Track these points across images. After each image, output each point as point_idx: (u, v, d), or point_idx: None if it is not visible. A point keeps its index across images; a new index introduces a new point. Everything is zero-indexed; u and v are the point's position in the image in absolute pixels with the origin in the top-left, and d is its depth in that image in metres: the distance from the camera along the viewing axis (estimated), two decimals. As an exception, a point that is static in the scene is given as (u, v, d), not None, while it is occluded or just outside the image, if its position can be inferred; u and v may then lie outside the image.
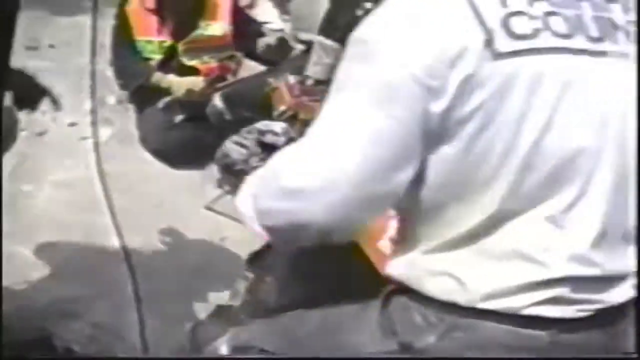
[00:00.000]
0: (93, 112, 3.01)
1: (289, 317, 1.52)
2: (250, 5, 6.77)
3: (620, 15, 1.33)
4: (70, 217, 3.64)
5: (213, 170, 4.08)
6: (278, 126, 1.98)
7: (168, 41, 4.39)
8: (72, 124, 4.40)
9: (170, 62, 4.39)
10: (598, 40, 1.29)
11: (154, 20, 4.38)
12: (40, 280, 3.27)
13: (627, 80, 1.30)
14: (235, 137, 1.95)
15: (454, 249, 1.29)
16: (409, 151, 1.24)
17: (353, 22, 1.35)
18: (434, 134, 1.23)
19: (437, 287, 1.30)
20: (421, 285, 1.31)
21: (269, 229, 1.33)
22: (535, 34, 1.24)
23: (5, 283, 2.71)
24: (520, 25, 1.24)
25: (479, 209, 1.26)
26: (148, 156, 4.26)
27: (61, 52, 5.11)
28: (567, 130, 1.25)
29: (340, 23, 3.15)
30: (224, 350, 1.57)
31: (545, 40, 1.25)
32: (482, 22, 1.22)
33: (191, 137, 4.19)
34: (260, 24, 4.68)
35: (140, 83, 4.39)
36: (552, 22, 1.26)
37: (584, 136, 1.26)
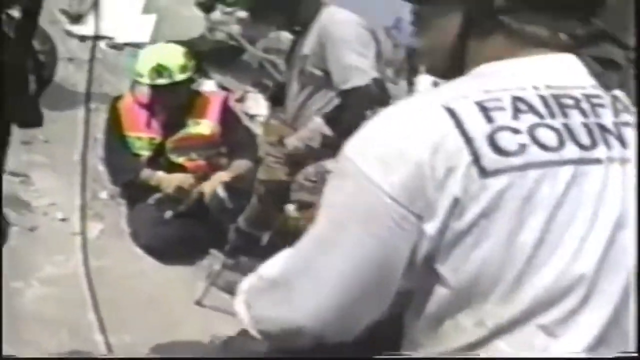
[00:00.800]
0: (82, 207, 2.99)
1: None
2: (241, 99, 6.87)
3: (610, 119, 1.31)
4: (58, 315, 3.59)
5: (203, 265, 4.10)
6: None
7: (157, 138, 4.45)
8: (63, 219, 4.38)
9: (158, 158, 4.44)
10: (590, 147, 1.27)
11: (144, 116, 4.46)
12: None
13: (626, 184, 1.27)
14: None
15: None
16: (395, 268, 1.24)
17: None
18: (427, 253, 1.23)
19: None
20: None
21: (264, 334, 1.35)
22: (521, 149, 1.22)
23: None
24: (506, 140, 1.22)
25: (473, 324, 1.26)
26: (139, 251, 4.25)
27: (55, 147, 5.13)
28: (563, 248, 1.23)
29: (345, 119, 3.20)
30: None
31: (533, 155, 1.22)
32: (467, 140, 1.21)
33: (181, 233, 4.21)
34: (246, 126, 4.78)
35: (130, 179, 4.43)
36: (539, 134, 1.24)
37: (582, 255, 1.24)
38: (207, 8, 7.12)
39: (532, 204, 1.21)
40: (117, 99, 4.67)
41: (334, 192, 1.30)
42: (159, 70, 4.33)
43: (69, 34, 7.63)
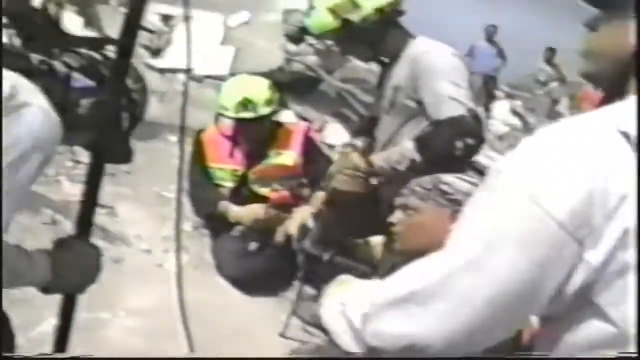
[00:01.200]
0: (177, 240, 2.99)
1: None
2: (320, 129, 6.87)
3: None
4: (146, 346, 3.59)
5: (287, 297, 4.07)
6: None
7: (240, 169, 4.46)
8: (147, 251, 4.41)
9: (241, 189, 4.44)
10: None
11: (227, 147, 4.48)
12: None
13: None
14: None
15: None
16: (543, 294, 1.17)
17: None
18: (584, 284, 1.16)
19: None
20: None
21: (377, 350, 1.28)
22: None
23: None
24: None
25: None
26: (223, 283, 4.24)
27: (137, 178, 5.18)
28: None
29: (435, 147, 3.15)
30: None
31: None
32: None
33: (265, 265, 4.19)
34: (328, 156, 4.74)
35: (211, 211, 4.44)
36: None
37: None
38: (296, 40, 7.18)
39: None
40: (201, 131, 4.70)
41: (487, 210, 1.21)
42: (245, 103, 4.34)
43: (149, 67, 7.77)
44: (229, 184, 4.52)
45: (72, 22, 6.23)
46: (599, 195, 1.13)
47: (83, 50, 2.17)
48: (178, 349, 3.55)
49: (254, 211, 4.37)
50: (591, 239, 1.13)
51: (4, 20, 4.97)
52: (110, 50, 2.26)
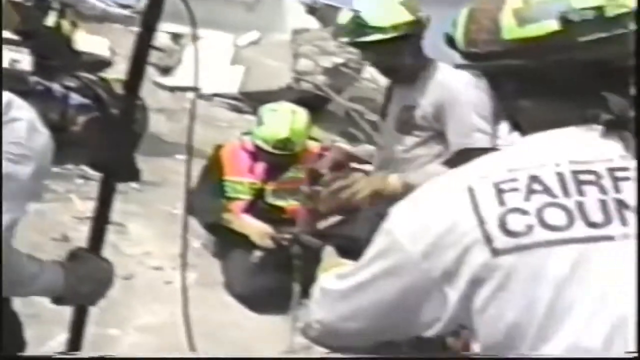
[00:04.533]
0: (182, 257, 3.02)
1: None
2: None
3: (633, 193, 1.32)
4: (155, 363, 3.61)
5: (295, 316, 4.09)
6: None
7: (258, 183, 4.51)
8: (158, 268, 4.44)
9: (257, 202, 4.49)
10: (602, 225, 1.31)
11: (247, 161, 4.53)
12: None
13: (636, 263, 1.28)
14: None
15: None
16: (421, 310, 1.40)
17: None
18: (456, 314, 1.36)
19: None
20: None
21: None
22: (528, 230, 1.30)
23: None
24: (514, 222, 1.31)
25: None
26: (232, 301, 4.26)
27: (147, 195, 5.22)
28: (570, 323, 1.28)
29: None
30: None
31: (538, 235, 1.30)
32: (481, 222, 1.32)
33: (274, 283, 4.21)
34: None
35: (214, 221, 4.49)
36: (547, 215, 1.31)
37: (591, 332, 1.28)
38: (350, 34, 7.30)
39: (540, 280, 1.29)
40: (221, 146, 4.76)
41: (374, 245, 1.46)
42: (286, 142, 4.40)
43: (158, 85, 7.83)
44: (246, 197, 4.57)
45: (85, 41, 6.30)
46: (448, 244, 1.33)
47: (81, 74, 2.23)
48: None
49: (266, 230, 4.41)
50: (449, 279, 1.34)
51: (17, 38, 5.03)
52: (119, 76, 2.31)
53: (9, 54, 6.52)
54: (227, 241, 4.50)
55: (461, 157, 3.22)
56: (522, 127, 1.47)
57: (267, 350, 3.90)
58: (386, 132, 3.66)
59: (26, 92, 1.97)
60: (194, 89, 2.39)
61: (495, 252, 1.30)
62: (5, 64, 6.20)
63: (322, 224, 3.92)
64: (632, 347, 1.26)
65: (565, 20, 1.35)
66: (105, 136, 2.19)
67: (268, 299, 4.18)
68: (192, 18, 2.23)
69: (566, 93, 1.41)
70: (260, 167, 4.58)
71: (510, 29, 1.39)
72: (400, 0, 3.31)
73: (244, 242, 4.39)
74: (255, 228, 4.41)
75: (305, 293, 3.78)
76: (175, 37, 8.35)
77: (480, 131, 3.21)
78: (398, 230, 1.40)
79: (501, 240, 1.30)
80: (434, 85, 3.35)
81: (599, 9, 1.36)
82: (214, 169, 4.66)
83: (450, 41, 1.52)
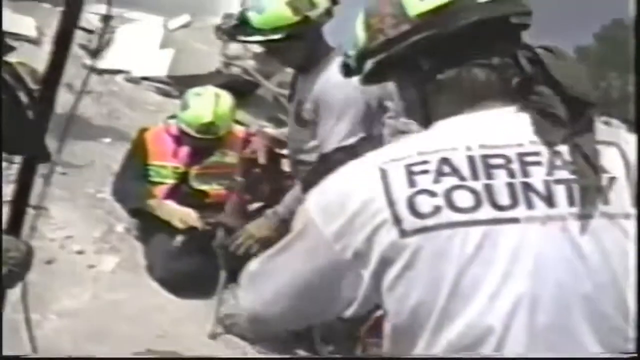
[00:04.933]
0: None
1: None
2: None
3: (541, 177, 1.37)
4: (76, 348, 3.60)
5: (220, 300, 4.12)
6: None
7: (181, 167, 4.52)
8: (80, 252, 4.41)
9: (180, 186, 4.50)
10: (509, 207, 1.35)
11: (171, 145, 4.53)
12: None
13: (539, 244, 1.34)
14: None
15: None
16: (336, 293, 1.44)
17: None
18: (369, 292, 1.41)
19: None
20: None
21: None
22: (435, 211, 1.35)
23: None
24: (422, 204, 1.35)
25: None
26: (154, 285, 4.27)
27: (71, 179, 5.17)
28: (473, 301, 1.33)
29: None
30: None
31: (444, 216, 1.34)
32: (390, 203, 1.36)
33: (196, 267, 4.23)
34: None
35: (138, 205, 4.48)
36: (454, 197, 1.36)
37: (493, 310, 1.33)
38: (230, 35, 7.23)
39: (445, 260, 1.33)
40: (145, 129, 4.74)
41: (296, 224, 1.51)
42: (209, 126, 4.40)
43: (87, 67, 7.72)
44: (169, 181, 4.56)
45: (12, 21, 6.20)
46: (358, 223, 1.38)
47: None
48: (108, 349, 3.60)
49: (189, 215, 4.42)
50: (360, 258, 1.39)
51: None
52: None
53: None
54: (150, 225, 4.49)
55: (316, 167, 3.29)
56: (438, 113, 1.50)
57: (190, 334, 3.92)
58: (289, 122, 3.69)
59: None
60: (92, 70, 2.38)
61: (404, 233, 1.35)
62: None
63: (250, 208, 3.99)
64: (530, 323, 1.32)
65: None
66: (12, 120, 2.20)
67: (190, 283, 4.21)
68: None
69: (477, 57, 1.46)
70: (184, 151, 4.57)
71: (413, 5, 1.46)
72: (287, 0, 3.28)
73: (167, 226, 4.39)
74: (178, 212, 4.42)
75: (232, 278, 3.85)
76: (105, 18, 8.23)
77: (335, 134, 3.25)
78: (313, 209, 1.45)
79: (409, 221, 1.35)
80: (320, 79, 3.33)
81: None
82: (138, 152, 4.64)
83: (347, 69, 1.63)
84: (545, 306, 1.32)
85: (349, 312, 1.46)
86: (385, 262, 1.36)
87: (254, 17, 3.33)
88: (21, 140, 2.31)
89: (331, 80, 3.19)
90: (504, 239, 1.33)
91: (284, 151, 3.77)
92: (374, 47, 1.52)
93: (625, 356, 1.31)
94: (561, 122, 1.40)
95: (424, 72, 1.49)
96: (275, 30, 3.30)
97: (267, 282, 1.54)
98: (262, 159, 3.72)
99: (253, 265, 1.59)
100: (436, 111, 1.51)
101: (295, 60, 3.47)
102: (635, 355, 1.31)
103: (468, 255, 1.33)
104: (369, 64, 1.54)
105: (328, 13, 3.36)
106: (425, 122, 1.53)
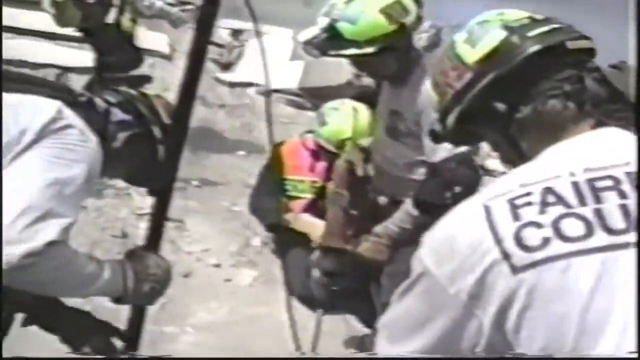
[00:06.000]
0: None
1: None
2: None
3: None
4: (212, 361, 3.57)
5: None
6: None
7: (319, 181, 4.44)
8: (217, 265, 4.40)
9: (318, 202, 4.42)
10: (622, 232, 1.27)
11: (308, 160, 4.47)
12: None
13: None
14: None
15: None
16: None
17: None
18: (498, 336, 1.29)
19: None
20: None
21: None
22: (544, 243, 1.27)
23: None
24: (530, 237, 1.28)
25: None
26: (293, 300, 4.20)
27: (207, 192, 5.20)
28: (604, 336, 1.22)
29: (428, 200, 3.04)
30: None
31: (555, 248, 1.26)
32: (497, 241, 1.29)
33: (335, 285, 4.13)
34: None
35: (276, 221, 4.43)
36: (563, 226, 1.28)
37: (627, 340, 1.22)
38: (322, 51, 7.21)
39: (564, 296, 1.25)
40: (280, 144, 4.70)
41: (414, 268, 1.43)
42: (347, 143, 4.32)
43: (219, 81, 7.82)
44: (307, 196, 4.51)
45: (145, 38, 6.31)
46: (469, 266, 1.30)
47: (122, 88, 2.28)
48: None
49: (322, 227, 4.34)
50: (474, 300, 1.29)
51: (80, 34, 5.05)
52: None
53: (70, 51, 6.59)
54: (287, 240, 4.44)
55: (426, 180, 3.05)
56: (531, 151, 1.47)
57: (329, 351, 3.83)
58: (376, 135, 3.43)
59: (70, 103, 2.01)
60: (266, 89, 2.37)
61: (515, 269, 1.27)
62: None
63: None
64: None
65: (506, 27, 1.53)
66: (145, 154, 2.21)
67: (329, 299, 4.11)
68: (252, 14, 2.23)
69: (547, 89, 1.47)
70: (321, 165, 4.51)
71: (469, 54, 1.54)
72: (382, 7, 3.01)
73: (305, 241, 4.32)
74: (317, 227, 4.33)
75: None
76: (235, 32, 8.33)
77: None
78: (425, 254, 1.39)
79: (518, 256, 1.27)
80: (420, 88, 2.97)
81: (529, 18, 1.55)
82: (274, 167, 4.61)
83: (434, 135, 1.67)
84: None
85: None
86: (502, 304, 1.28)
87: (345, 28, 3.02)
88: (150, 176, 2.29)
89: None
90: (624, 265, 1.24)
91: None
92: (447, 104, 1.57)
93: (625, 356, 1.22)
94: None
95: (502, 115, 1.50)
96: (370, 41, 3.02)
97: (394, 327, 1.47)
98: (360, 171, 3.49)
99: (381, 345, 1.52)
100: (529, 149, 1.49)
101: (389, 71, 3.15)
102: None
103: (589, 288, 1.24)
104: (450, 122, 1.58)
105: (419, 18, 3.13)
106: (523, 163, 1.48)
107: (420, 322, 1.40)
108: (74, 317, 2.26)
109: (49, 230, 1.78)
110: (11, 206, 1.78)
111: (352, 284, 3.87)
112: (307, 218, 4.41)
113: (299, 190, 4.54)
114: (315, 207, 4.46)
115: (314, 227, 4.32)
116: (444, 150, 2.96)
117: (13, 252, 1.74)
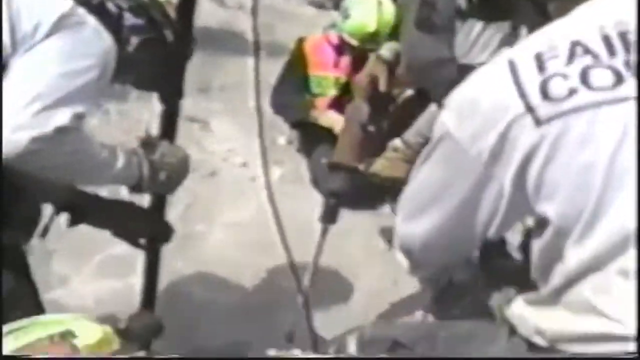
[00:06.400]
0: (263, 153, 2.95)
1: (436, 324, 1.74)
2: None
3: None
4: (243, 258, 3.60)
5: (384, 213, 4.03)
6: None
7: (343, 77, 4.39)
8: (243, 165, 4.41)
9: (343, 98, 4.37)
10: None
11: (332, 55, 4.40)
12: (213, 322, 3.23)
13: None
14: None
15: (540, 305, 1.40)
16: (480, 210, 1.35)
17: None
18: (512, 202, 1.31)
19: (527, 331, 1.43)
20: (519, 328, 1.46)
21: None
22: (571, 93, 1.25)
23: (176, 325, 2.69)
24: (556, 87, 1.26)
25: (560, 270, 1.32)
26: (319, 197, 4.20)
27: (230, 94, 5.16)
28: (628, 189, 1.22)
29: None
30: (351, 347, 1.71)
31: (582, 97, 1.24)
32: (522, 94, 1.27)
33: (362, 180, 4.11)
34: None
35: (301, 117, 4.40)
36: (591, 76, 1.26)
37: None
38: None
39: (591, 145, 1.23)
40: (303, 39, 4.62)
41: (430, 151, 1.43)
42: (373, 36, 4.23)
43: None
44: (332, 92, 4.46)
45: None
46: (492, 120, 1.28)
47: None
48: (274, 260, 3.59)
49: None
50: (494, 159, 1.29)
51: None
52: None
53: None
54: (312, 137, 4.42)
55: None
56: (559, 13, 1.40)
57: (353, 245, 3.85)
58: (404, 30, 3.30)
59: (83, 3, 2.01)
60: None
61: (539, 122, 1.25)
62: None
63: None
64: None
65: None
66: (158, 59, 2.24)
67: (355, 195, 4.09)
68: None
69: None
70: (345, 60, 4.45)
71: None
72: None
73: (331, 138, 4.29)
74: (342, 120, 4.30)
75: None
76: None
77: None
78: (447, 116, 1.37)
79: (543, 108, 1.25)
80: None
81: None
82: (297, 63, 4.56)
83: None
84: None
85: (489, 233, 1.38)
86: (523, 160, 1.26)
87: None
88: (159, 78, 2.34)
89: None
90: None
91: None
92: None
93: (625, 356, 1.23)
94: None
95: None
96: None
97: (411, 201, 1.50)
98: (383, 86, 3.32)
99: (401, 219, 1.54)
100: (557, 14, 1.41)
101: None
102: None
103: (617, 137, 1.22)
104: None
105: None
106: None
107: (437, 192, 1.40)
108: (121, 209, 2.30)
109: (59, 117, 1.83)
110: (24, 93, 1.82)
111: (358, 207, 3.83)
112: (333, 115, 4.37)
113: (322, 86, 4.48)
114: (341, 104, 4.42)
115: (340, 124, 4.29)
116: (483, 51, 2.83)
117: (22, 137, 1.78)
